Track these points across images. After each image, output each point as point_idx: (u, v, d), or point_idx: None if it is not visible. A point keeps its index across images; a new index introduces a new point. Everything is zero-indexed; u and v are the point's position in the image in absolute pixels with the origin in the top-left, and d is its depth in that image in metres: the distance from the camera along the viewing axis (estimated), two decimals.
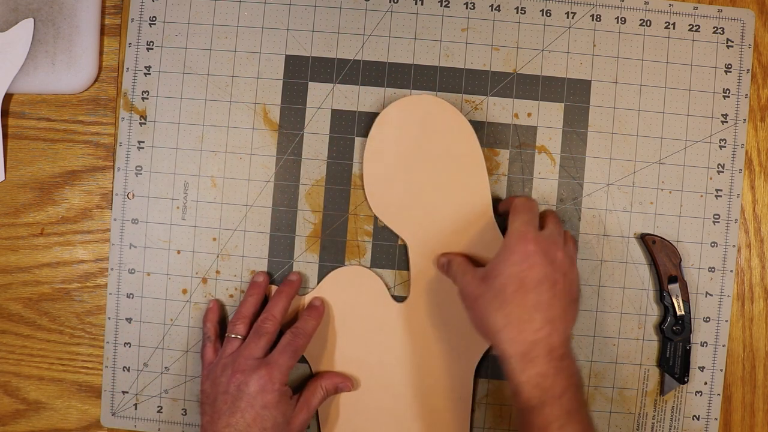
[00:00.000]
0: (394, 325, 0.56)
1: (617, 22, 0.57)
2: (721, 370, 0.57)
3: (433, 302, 0.56)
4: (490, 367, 0.57)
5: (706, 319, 0.57)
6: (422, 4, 0.57)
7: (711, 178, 0.57)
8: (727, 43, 0.57)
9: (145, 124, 0.57)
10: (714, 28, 0.57)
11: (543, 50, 0.57)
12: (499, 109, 0.57)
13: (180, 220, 0.57)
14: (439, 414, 0.56)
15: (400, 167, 0.56)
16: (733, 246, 0.57)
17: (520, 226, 0.48)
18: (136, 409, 0.58)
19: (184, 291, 0.57)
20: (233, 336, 0.53)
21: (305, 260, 0.57)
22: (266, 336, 0.52)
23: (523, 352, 0.44)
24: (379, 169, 0.56)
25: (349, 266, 0.57)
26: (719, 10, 0.57)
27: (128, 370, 0.58)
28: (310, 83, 0.57)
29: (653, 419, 0.58)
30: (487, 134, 0.57)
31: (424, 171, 0.55)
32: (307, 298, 0.56)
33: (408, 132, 0.55)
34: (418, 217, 0.56)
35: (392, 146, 0.55)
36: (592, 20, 0.57)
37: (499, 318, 0.45)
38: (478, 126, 0.57)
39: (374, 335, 0.56)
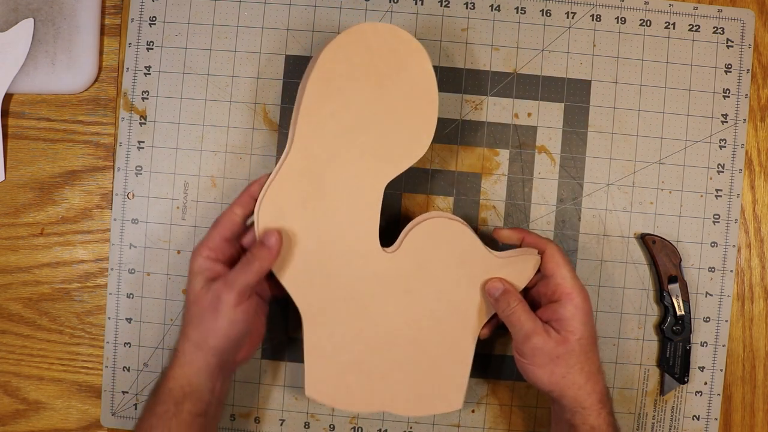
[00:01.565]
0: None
1: (617, 22, 0.57)
2: (721, 370, 0.57)
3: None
4: (490, 367, 0.58)
5: (706, 319, 0.57)
6: (422, 4, 0.57)
7: (711, 178, 0.57)
8: (727, 43, 0.57)
9: (145, 124, 0.57)
10: (714, 28, 0.57)
11: (543, 50, 0.57)
12: (499, 109, 0.57)
13: (180, 220, 0.57)
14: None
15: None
16: (733, 246, 0.57)
17: (577, 280, 0.50)
18: (136, 409, 0.58)
19: (184, 291, 0.57)
20: None
21: None
22: None
23: (599, 400, 0.49)
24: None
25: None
26: (719, 10, 0.57)
27: (128, 370, 0.58)
28: None
29: (653, 419, 0.58)
30: (487, 134, 0.57)
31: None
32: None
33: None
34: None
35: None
36: (592, 20, 0.57)
37: (582, 375, 0.48)
38: (478, 126, 0.57)
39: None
